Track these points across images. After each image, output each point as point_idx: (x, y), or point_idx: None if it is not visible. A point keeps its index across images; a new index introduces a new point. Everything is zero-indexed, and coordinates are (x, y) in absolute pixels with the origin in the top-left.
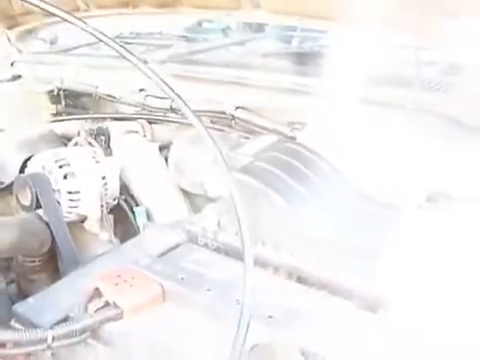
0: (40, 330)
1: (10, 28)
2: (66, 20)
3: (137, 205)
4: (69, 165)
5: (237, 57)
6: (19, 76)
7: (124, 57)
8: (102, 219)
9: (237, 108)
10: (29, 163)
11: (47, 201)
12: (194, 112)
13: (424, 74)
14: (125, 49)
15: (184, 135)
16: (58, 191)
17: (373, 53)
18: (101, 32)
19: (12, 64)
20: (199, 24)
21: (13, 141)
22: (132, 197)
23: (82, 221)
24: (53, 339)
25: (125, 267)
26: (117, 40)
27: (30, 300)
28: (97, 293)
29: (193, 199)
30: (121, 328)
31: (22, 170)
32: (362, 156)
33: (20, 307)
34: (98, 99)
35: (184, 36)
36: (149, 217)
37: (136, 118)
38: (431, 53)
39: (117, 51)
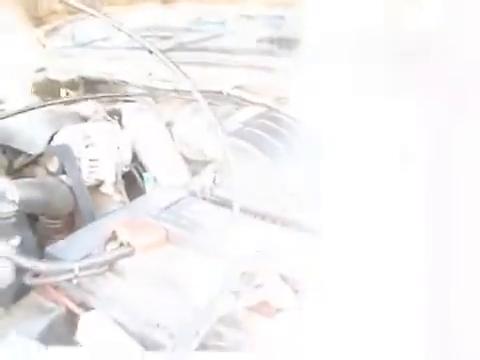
0: (69, 262)
1: (37, 27)
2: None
3: (145, 172)
4: (90, 137)
5: (233, 43)
6: (43, 68)
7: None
8: (116, 183)
9: (234, 87)
10: (56, 136)
11: (71, 168)
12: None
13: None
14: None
15: (185, 112)
16: (80, 159)
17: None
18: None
19: (37, 58)
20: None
21: (41, 119)
22: (141, 165)
23: (98, 185)
24: (79, 269)
25: (136, 216)
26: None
27: (59, 243)
28: (113, 236)
29: (195, 166)
30: (132, 263)
31: (49, 143)
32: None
33: (51, 249)
34: (112, 84)
35: (187, 28)
36: (156, 182)
37: (140, 95)
38: None
39: (141, 43)
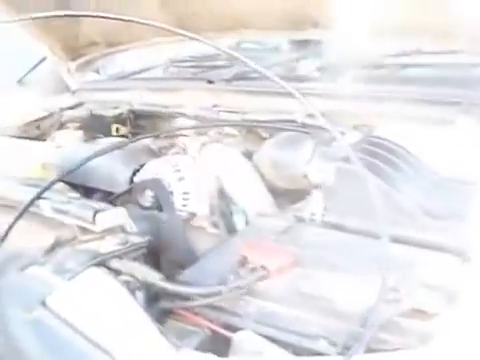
0: (215, 286)
1: (73, 60)
2: (197, 40)
3: (233, 204)
4: (180, 170)
5: (294, 71)
6: (81, 103)
7: (268, 76)
8: (211, 215)
9: (308, 115)
10: (142, 170)
11: (166, 202)
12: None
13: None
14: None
15: (277, 139)
16: (172, 193)
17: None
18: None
19: (73, 93)
20: (238, 44)
21: (116, 156)
22: (227, 198)
23: (188, 219)
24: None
25: (260, 241)
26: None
27: (186, 272)
28: (245, 260)
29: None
30: (268, 284)
31: (131, 179)
32: (431, 146)
33: (182, 277)
34: (167, 118)
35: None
36: (244, 214)
37: (234, 124)
38: None
39: (255, 69)
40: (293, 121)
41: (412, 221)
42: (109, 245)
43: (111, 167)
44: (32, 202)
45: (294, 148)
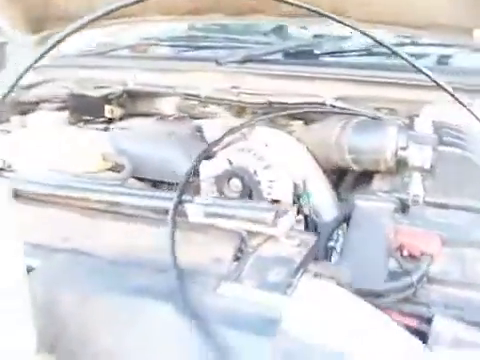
0: (409, 278)
1: (35, 33)
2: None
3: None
4: (264, 158)
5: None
6: (47, 81)
7: (414, 66)
8: (295, 202)
9: (337, 99)
10: (215, 159)
11: (257, 190)
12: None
13: None
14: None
15: (353, 125)
16: (259, 182)
17: None
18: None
19: (34, 69)
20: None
21: (165, 144)
22: None
23: None
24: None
25: (400, 226)
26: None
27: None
28: (401, 247)
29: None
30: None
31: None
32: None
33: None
34: (152, 99)
35: (233, 38)
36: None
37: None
38: None
39: (406, 60)
40: (323, 104)
41: None
42: (289, 247)
43: (172, 158)
44: (176, 209)
45: (378, 133)
